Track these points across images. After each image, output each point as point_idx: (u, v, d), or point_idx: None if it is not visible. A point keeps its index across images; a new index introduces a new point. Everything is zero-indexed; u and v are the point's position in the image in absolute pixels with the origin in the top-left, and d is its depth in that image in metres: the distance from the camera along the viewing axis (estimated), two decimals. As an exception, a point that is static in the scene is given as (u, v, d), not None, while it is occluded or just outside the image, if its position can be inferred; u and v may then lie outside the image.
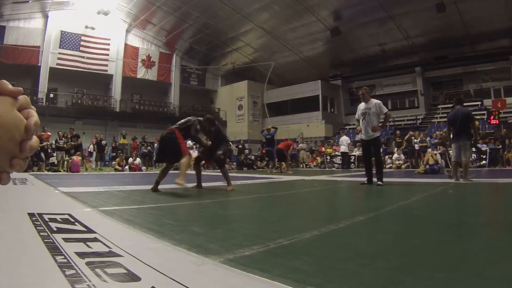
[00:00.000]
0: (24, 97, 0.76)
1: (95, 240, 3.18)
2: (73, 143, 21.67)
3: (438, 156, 16.78)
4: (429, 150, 19.38)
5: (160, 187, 8.41)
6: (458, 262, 2.60)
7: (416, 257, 2.73)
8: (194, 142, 12.51)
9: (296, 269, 2.36)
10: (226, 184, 9.04)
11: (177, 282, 2.07)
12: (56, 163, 21.09)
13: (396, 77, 38.18)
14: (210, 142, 9.57)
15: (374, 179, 10.00)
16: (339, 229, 3.88)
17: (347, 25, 32.78)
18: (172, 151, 8.28)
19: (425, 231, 3.92)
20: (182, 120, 8.95)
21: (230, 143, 31.00)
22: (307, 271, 2.34)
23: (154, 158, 20.78)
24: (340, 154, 26.90)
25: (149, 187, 8.59)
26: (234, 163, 29.40)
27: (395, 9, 29.36)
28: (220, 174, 9.47)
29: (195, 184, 9.51)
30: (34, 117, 0.76)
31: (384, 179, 9.89)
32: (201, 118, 9.07)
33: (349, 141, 25.75)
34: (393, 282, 2.15)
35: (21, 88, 0.76)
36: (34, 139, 0.76)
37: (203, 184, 9.76)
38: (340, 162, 26.71)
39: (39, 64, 34.03)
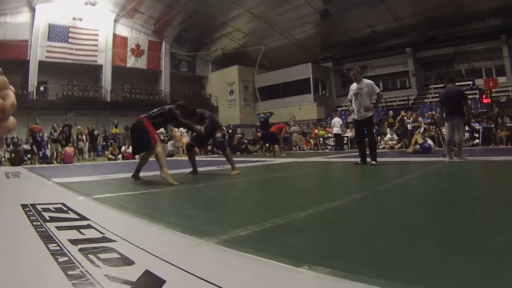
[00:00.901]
0: (3, 78, 0.75)
1: (88, 226, 3.16)
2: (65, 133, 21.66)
3: (421, 130, 16.91)
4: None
5: (154, 173, 8.36)
6: (457, 236, 2.58)
7: (414, 232, 2.72)
8: (186, 129, 11.44)
9: (293, 247, 2.34)
10: (231, 167, 8.96)
11: (171, 264, 2.04)
12: (49, 155, 21.07)
13: (387, 58, 38.06)
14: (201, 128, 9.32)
15: (368, 159, 9.99)
16: (335, 207, 3.87)
17: (336, 8, 32.65)
18: (141, 140, 7.73)
19: (422, 207, 3.91)
20: (155, 110, 8.29)
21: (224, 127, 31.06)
22: (304, 248, 2.32)
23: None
24: (333, 135, 26.90)
25: (143, 174, 8.54)
26: (227, 148, 29.33)
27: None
28: (215, 158, 9.42)
29: (191, 170, 9.29)
30: (11, 98, 0.75)
31: (378, 159, 9.89)
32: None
33: (342, 123, 25.47)
34: (393, 256, 2.13)
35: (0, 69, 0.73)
36: (11, 120, 0.76)
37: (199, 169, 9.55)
38: (334, 143, 26.73)
39: (28, 58, 33.83)
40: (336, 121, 25.19)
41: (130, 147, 10.12)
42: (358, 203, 4.18)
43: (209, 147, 28.30)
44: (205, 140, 9.92)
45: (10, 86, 0.77)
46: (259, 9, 34.96)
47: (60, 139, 21.31)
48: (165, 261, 2.10)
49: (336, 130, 25.11)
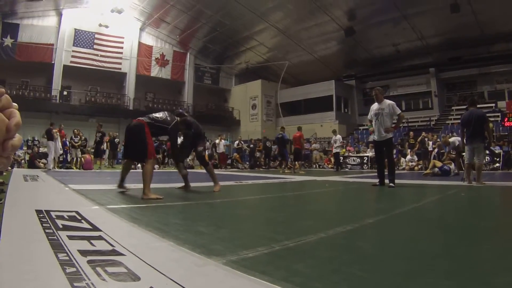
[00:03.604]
0: (6, 97, 0.76)
1: (99, 238, 3.18)
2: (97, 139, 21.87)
3: (435, 155, 16.77)
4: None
5: (171, 185, 8.30)
6: (467, 268, 2.54)
7: (423, 262, 2.67)
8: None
9: (298, 272, 2.32)
10: (213, 184, 8.49)
11: (176, 282, 2.05)
12: (69, 160, 21.21)
13: (410, 78, 37.80)
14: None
15: (386, 181, 9.90)
16: (347, 231, 3.83)
17: (361, 25, 32.59)
18: (137, 150, 7.24)
19: (435, 235, 3.86)
20: (157, 115, 7.65)
21: (242, 142, 30.95)
22: (310, 274, 2.30)
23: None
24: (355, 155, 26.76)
25: (161, 185, 8.58)
26: (247, 163, 29.38)
27: (409, 9, 29.10)
28: (234, 173, 9.22)
29: (183, 184, 8.78)
30: (16, 117, 0.76)
31: (396, 181, 9.84)
32: (176, 118, 7.92)
33: (341, 140, 24.65)
34: (397, 287, 2.11)
35: (3, 89, 0.76)
36: (17, 138, 0.76)
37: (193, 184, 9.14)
38: (354, 163, 26.60)
39: (53, 62, 34.21)
40: (337, 138, 24.50)
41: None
42: (370, 228, 4.13)
43: (229, 161, 28.42)
44: (192, 147, 9.19)
45: (14, 104, 0.79)
46: (284, 23, 35.05)
47: (79, 145, 21.50)
48: (171, 279, 2.11)
49: (336, 148, 24.27)
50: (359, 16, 31.69)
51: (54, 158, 19.35)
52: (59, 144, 20.05)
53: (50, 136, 18.89)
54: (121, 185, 7.77)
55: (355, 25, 32.63)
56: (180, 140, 9.29)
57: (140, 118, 7.42)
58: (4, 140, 0.74)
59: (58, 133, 19.89)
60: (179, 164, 8.82)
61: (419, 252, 3.02)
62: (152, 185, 6.87)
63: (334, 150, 23.38)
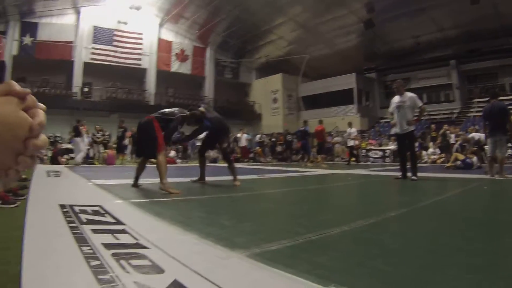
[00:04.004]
0: (31, 98, 0.77)
1: (123, 231, 3.21)
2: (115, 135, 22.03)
3: (458, 147, 16.63)
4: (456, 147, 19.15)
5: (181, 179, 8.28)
6: (489, 262, 2.52)
7: (445, 255, 2.66)
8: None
9: (322, 265, 2.33)
10: (233, 179, 8.43)
11: (200, 275, 2.06)
12: (92, 156, 21.33)
13: (431, 70, 37.26)
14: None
15: (409, 174, 9.84)
16: (369, 224, 3.82)
17: (380, 17, 32.27)
18: (147, 145, 7.35)
19: (457, 228, 3.84)
20: (166, 110, 7.86)
21: (264, 136, 30.93)
22: (333, 267, 2.30)
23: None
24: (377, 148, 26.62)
25: (183, 179, 8.57)
26: (270, 156, 29.40)
27: (428, 0, 28.85)
28: (257, 166, 9.16)
29: (198, 177, 8.88)
30: (40, 117, 0.77)
31: (419, 174, 9.77)
32: (186, 112, 8.00)
33: (355, 133, 24.01)
34: (420, 281, 2.10)
35: (28, 90, 0.77)
36: (41, 138, 0.78)
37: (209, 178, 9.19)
38: (376, 156, 26.47)
39: (73, 59, 34.46)
40: (352, 131, 23.64)
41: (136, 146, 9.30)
42: (393, 222, 4.12)
43: (252, 155, 28.40)
44: (214, 142, 9.13)
45: (41, 105, 0.80)
46: (303, 17, 34.90)
47: (102, 141, 21.66)
48: (195, 271, 2.12)
49: (350, 142, 23.58)
50: (378, 8, 31.34)
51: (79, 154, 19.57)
52: (86, 140, 20.26)
53: (77, 133, 19.11)
54: (135, 183, 7.68)
55: (374, 18, 32.38)
56: (202, 135, 9.29)
57: (150, 115, 7.57)
58: (26, 139, 0.75)
59: (84, 130, 20.11)
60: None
61: (442, 245, 3.00)
62: (173, 179, 6.89)
63: (349, 143, 22.96)
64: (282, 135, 30.09)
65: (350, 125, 22.43)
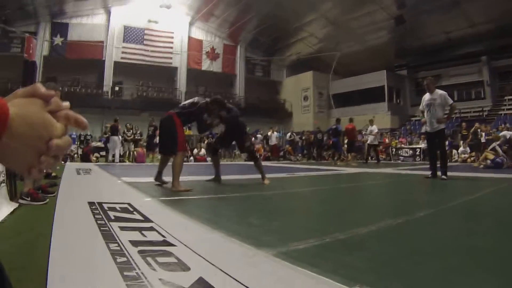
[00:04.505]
0: (56, 100, 0.81)
1: (151, 229, 3.24)
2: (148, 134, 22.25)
3: (497, 148, 16.29)
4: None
5: (228, 177, 8.22)
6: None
7: (474, 257, 2.61)
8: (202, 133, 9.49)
9: (348, 265, 2.31)
10: (261, 177, 8.35)
11: (225, 273, 2.07)
12: (122, 154, 21.52)
13: (462, 67, 36.67)
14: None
15: (439, 173, 9.72)
16: (397, 224, 3.80)
17: (411, 13, 32.00)
18: (167, 142, 7.28)
19: (486, 229, 3.78)
20: (186, 102, 7.71)
21: (294, 134, 30.87)
22: (359, 267, 2.28)
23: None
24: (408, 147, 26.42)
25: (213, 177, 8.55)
26: (300, 155, 29.33)
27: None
28: (282, 165, 9.08)
29: (213, 177, 8.55)
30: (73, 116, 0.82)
31: (449, 173, 9.64)
32: (207, 100, 7.84)
33: (376, 131, 23.35)
34: (446, 282, 2.07)
35: (53, 92, 0.80)
36: (64, 139, 0.81)
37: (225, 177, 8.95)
38: (406, 154, 26.26)
39: (103, 59, 35.02)
40: (372, 128, 22.99)
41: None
42: (421, 221, 4.06)
43: (282, 153, 28.40)
44: (230, 140, 9.03)
45: (65, 103, 0.84)
46: (334, 13, 34.79)
47: (133, 139, 21.86)
48: (220, 269, 2.13)
49: (370, 139, 23.01)
50: (409, 4, 31.13)
51: (114, 152, 19.88)
52: (120, 139, 20.56)
53: (115, 132, 19.42)
54: (158, 177, 7.67)
55: (405, 14, 32.17)
56: (219, 130, 9.18)
57: (170, 111, 7.43)
58: (49, 139, 0.77)
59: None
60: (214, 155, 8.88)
61: (469, 247, 2.95)
62: (229, 176, 6.89)
63: (369, 142, 22.37)
64: (312, 134, 29.91)
65: (371, 122, 21.96)
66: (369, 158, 22.59)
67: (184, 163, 7.18)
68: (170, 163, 7.26)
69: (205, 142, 24.38)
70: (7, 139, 0.72)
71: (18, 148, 0.75)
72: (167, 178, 7.31)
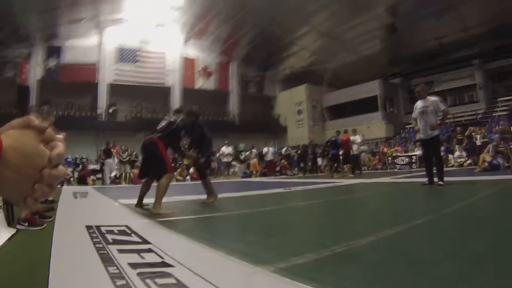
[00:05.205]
0: (49, 132, 0.83)
1: (149, 250, 3.25)
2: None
3: (490, 147, 16.35)
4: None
5: (228, 195, 8.16)
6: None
7: (473, 263, 2.61)
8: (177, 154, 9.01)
9: (348, 277, 2.31)
10: (206, 195, 8.05)
11: (225, 292, 2.06)
12: (118, 176, 21.53)
13: (454, 72, 36.92)
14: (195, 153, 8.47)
15: (435, 179, 9.74)
16: (396, 233, 3.79)
17: (403, 21, 32.27)
18: (155, 167, 7.06)
19: (484, 234, 3.78)
20: (163, 124, 7.53)
21: (290, 148, 30.88)
22: (359, 279, 2.28)
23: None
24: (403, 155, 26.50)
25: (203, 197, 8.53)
26: (296, 169, 29.33)
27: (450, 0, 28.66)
28: (284, 180, 9.00)
29: (206, 197, 8.19)
30: (58, 148, 0.83)
31: (446, 178, 9.64)
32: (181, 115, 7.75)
33: (359, 140, 22.95)
34: (448, 290, 2.07)
35: (46, 125, 0.83)
36: (59, 168, 0.83)
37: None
38: (402, 163, 26.32)
39: (97, 81, 35.15)
40: (355, 138, 23.05)
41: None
42: (419, 229, 4.08)
43: (278, 168, 28.37)
44: (209, 159, 8.96)
45: (60, 136, 0.85)
46: (326, 25, 34.92)
47: (129, 160, 21.89)
48: (219, 288, 2.12)
49: (355, 148, 22.87)
50: (401, 11, 31.34)
51: (110, 175, 20.02)
52: (115, 161, 20.68)
53: (108, 155, 19.53)
54: (140, 203, 7.34)
55: (397, 22, 32.41)
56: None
57: (150, 136, 7.39)
58: (42, 168, 0.79)
59: (116, 151, 20.61)
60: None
61: (468, 253, 2.95)
62: (228, 194, 6.87)
63: (354, 151, 21.75)
64: (304, 148, 29.83)
65: (354, 132, 21.96)
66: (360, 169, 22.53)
67: (181, 182, 7.14)
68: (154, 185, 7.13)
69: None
70: (1, 170, 0.75)
71: (12, 178, 0.77)
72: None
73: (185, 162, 22.08)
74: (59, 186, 17.13)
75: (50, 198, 8.60)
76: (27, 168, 0.78)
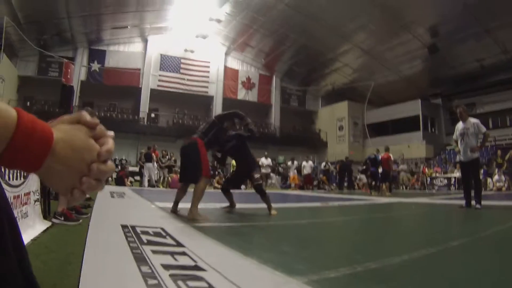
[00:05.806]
0: (100, 127, 0.87)
1: (183, 254, 3.26)
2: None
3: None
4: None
5: (258, 206, 8.11)
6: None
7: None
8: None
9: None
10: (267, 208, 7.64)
11: (256, 300, 2.06)
12: (156, 179, 21.74)
13: (496, 94, 36.15)
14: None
15: (473, 202, 9.60)
16: (430, 254, 3.75)
17: (444, 42, 31.80)
18: (191, 168, 6.74)
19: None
20: (205, 125, 7.24)
21: (329, 164, 30.76)
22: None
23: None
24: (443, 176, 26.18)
25: (247, 205, 8.54)
26: (334, 184, 29.23)
27: (490, 22, 28.16)
28: (322, 195, 8.83)
29: (228, 204, 8.27)
30: (108, 145, 0.87)
31: (484, 202, 9.53)
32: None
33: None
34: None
35: (97, 121, 0.86)
36: (108, 164, 0.87)
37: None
38: (442, 184, 25.96)
39: (140, 86, 35.82)
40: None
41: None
42: (454, 251, 4.03)
43: (316, 182, 28.27)
44: (243, 179, 8.71)
45: (110, 132, 0.90)
46: (368, 43, 34.76)
47: (168, 165, 22.13)
48: (251, 296, 2.13)
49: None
50: (442, 32, 30.96)
51: (149, 178, 20.32)
52: (155, 165, 20.97)
53: (149, 158, 20.09)
54: (174, 209, 7.19)
55: (438, 42, 32.04)
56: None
57: (193, 136, 7.02)
58: (91, 162, 0.83)
59: (156, 155, 20.94)
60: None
61: (502, 277, 2.91)
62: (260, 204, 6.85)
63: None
64: (342, 163, 29.61)
65: (377, 151, 21.86)
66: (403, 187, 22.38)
67: (218, 190, 7.05)
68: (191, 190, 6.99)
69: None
70: (51, 161, 0.78)
71: (61, 170, 0.80)
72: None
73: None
74: (109, 180, 17.47)
75: (88, 196, 8.74)
76: (77, 162, 0.81)
